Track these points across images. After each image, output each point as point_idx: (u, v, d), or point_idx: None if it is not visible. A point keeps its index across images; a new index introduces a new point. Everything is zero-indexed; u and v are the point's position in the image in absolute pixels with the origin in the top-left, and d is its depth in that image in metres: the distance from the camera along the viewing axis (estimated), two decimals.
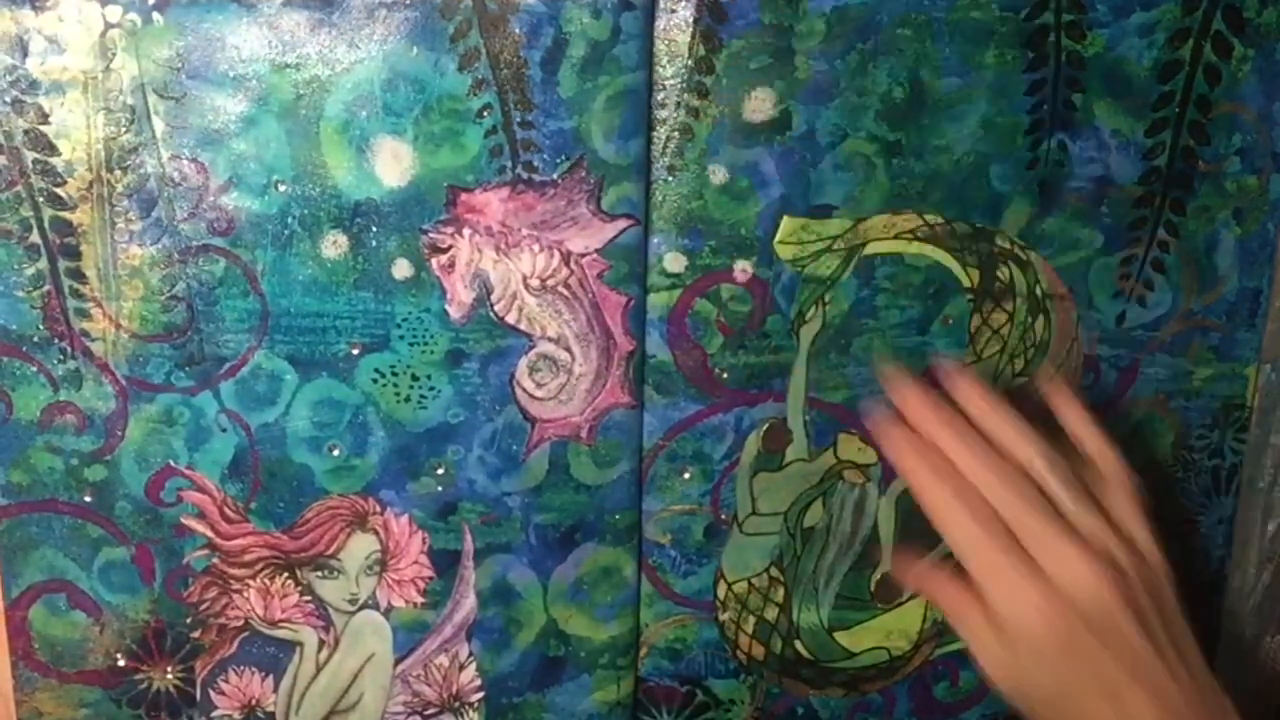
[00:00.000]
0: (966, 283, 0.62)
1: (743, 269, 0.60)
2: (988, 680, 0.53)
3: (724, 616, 0.66)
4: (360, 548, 0.63)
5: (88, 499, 0.61)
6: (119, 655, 0.63)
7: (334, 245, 0.58)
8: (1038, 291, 0.63)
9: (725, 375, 0.62)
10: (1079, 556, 0.50)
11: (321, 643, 0.64)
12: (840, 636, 0.67)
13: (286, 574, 0.63)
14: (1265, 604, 0.69)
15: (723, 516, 0.64)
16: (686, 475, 0.63)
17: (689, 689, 0.67)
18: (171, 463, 0.61)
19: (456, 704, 0.66)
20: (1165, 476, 0.67)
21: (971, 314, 0.62)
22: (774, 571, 0.65)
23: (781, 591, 0.66)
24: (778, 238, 0.60)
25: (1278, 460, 0.67)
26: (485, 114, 0.57)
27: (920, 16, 0.58)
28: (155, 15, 0.55)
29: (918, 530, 0.64)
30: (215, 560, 0.62)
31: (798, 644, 0.67)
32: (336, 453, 0.61)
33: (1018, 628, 0.51)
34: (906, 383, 0.56)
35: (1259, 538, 0.69)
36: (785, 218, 0.60)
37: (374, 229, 0.58)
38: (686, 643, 0.66)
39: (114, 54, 0.55)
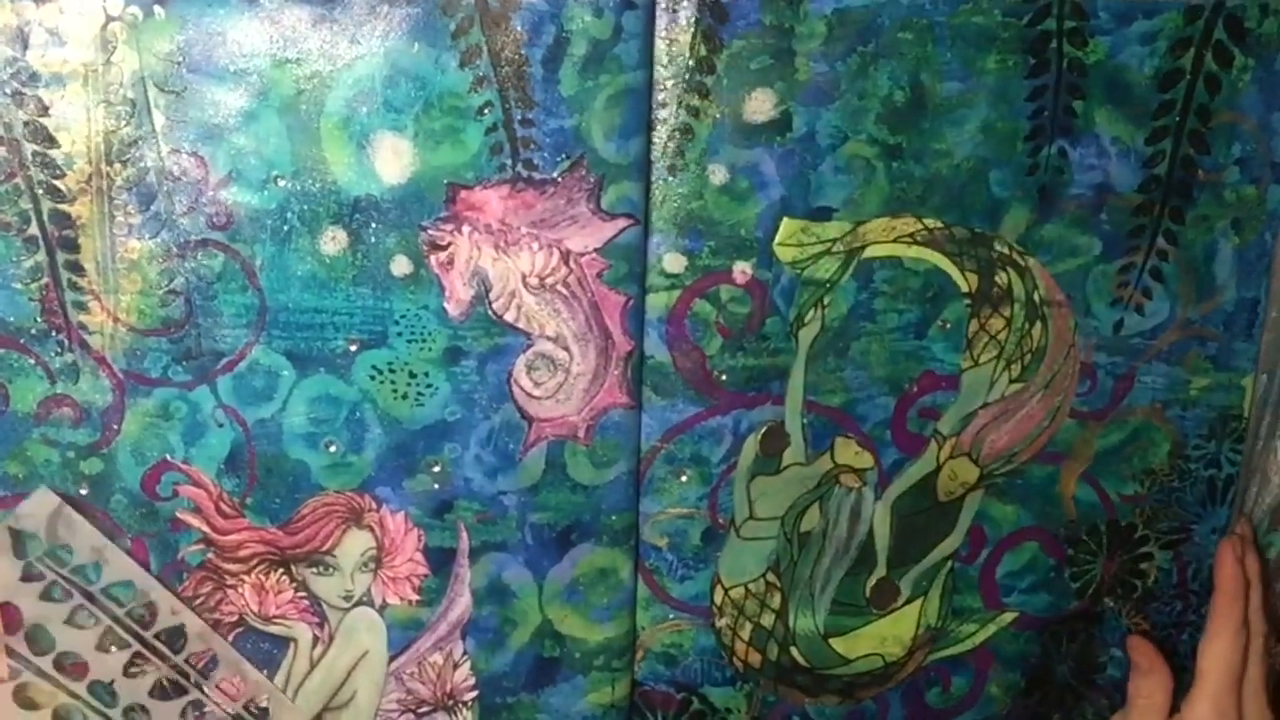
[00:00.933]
0: (965, 288, 0.62)
1: (742, 270, 0.60)
2: None
3: (721, 622, 0.66)
4: (356, 544, 0.63)
5: (84, 492, 0.61)
6: (114, 648, 0.63)
7: (333, 241, 0.58)
8: (1036, 298, 0.63)
9: (724, 377, 0.62)
10: None
11: (316, 639, 0.64)
12: (836, 642, 0.67)
13: (281, 570, 0.63)
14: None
15: (720, 520, 0.64)
16: (684, 478, 0.63)
17: (685, 696, 0.67)
18: (168, 457, 0.61)
19: (450, 702, 0.66)
20: (1161, 485, 0.67)
21: (969, 319, 0.62)
22: (770, 577, 0.65)
23: (778, 597, 0.66)
24: (777, 239, 0.60)
25: (1259, 469, 0.67)
26: (486, 111, 0.57)
27: (922, 20, 0.58)
28: (157, 8, 0.55)
29: (912, 538, 0.64)
30: (210, 555, 0.62)
31: (794, 650, 0.67)
32: (333, 449, 0.61)
33: None
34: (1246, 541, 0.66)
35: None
36: (785, 219, 0.60)
37: (373, 225, 0.58)
38: (683, 648, 0.66)
39: (115, 47, 0.55)
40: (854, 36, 0.58)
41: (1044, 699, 0.70)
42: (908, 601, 0.67)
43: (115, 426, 0.60)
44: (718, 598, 0.65)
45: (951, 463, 0.64)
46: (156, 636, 0.62)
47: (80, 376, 0.59)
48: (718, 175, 0.59)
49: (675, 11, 0.57)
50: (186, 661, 0.63)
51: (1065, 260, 0.62)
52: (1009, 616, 0.68)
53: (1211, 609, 0.63)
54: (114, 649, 0.62)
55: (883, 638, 0.67)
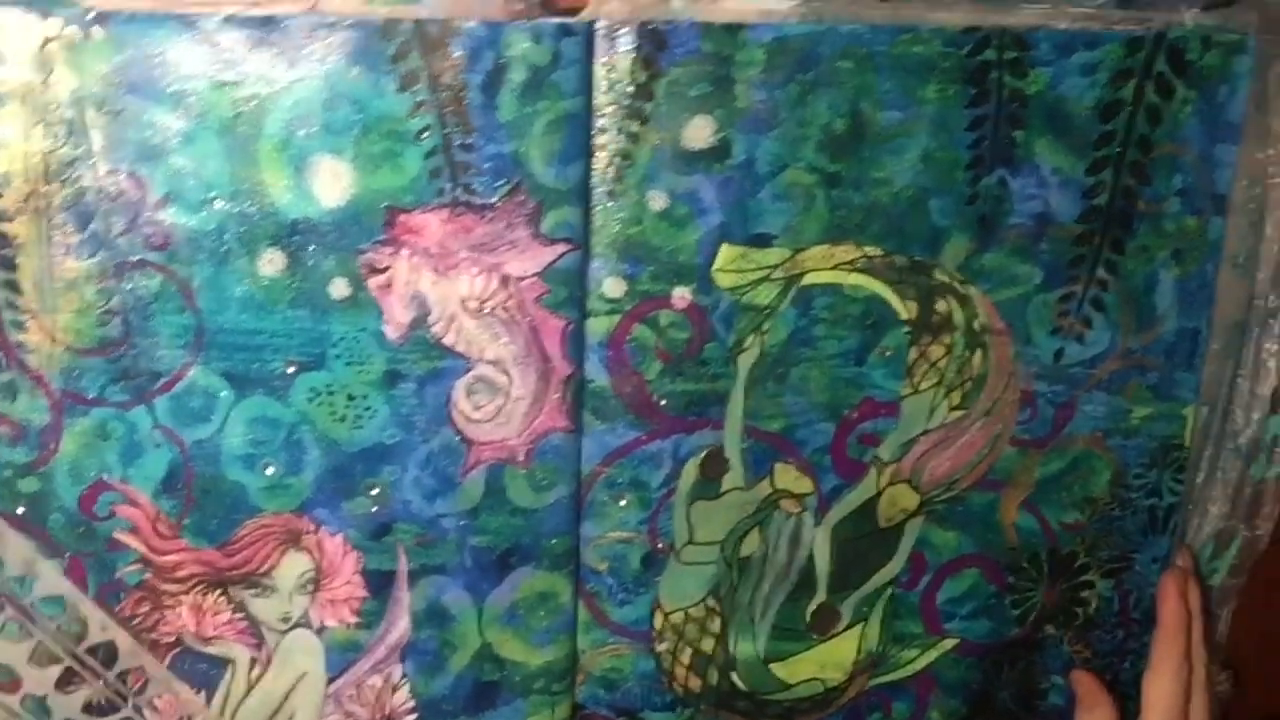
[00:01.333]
0: (904, 315, 0.62)
1: (681, 296, 0.60)
2: None
3: (661, 647, 0.66)
4: (293, 567, 0.62)
5: (21, 510, 0.60)
6: (52, 667, 0.63)
7: (270, 263, 0.58)
8: (975, 326, 0.63)
9: (663, 402, 0.62)
10: None
11: (253, 660, 0.64)
12: (776, 668, 0.67)
13: (219, 591, 0.63)
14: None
15: (660, 545, 0.64)
16: (623, 502, 0.63)
17: None
18: (105, 477, 0.60)
19: None
20: (1102, 514, 0.67)
21: (909, 346, 0.63)
22: (711, 602, 0.65)
23: (718, 622, 0.66)
24: (716, 265, 0.60)
25: (1198, 500, 0.68)
26: (425, 135, 0.57)
27: (861, 49, 0.58)
28: (95, 29, 0.55)
29: (852, 563, 0.64)
30: (148, 575, 0.62)
31: (734, 676, 0.67)
32: (271, 471, 0.61)
33: None
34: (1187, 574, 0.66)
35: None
36: (724, 246, 0.60)
37: (311, 248, 0.58)
38: (623, 673, 0.66)
39: (53, 67, 0.55)
40: (793, 65, 0.58)
41: None
42: (848, 627, 0.67)
43: (52, 445, 0.60)
44: (658, 622, 0.65)
45: (891, 489, 0.65)
46: (88, 652, 0.62)
47: (18, 395, 0.59)
48: (657, 201, 0.59)
49: (614, 38, 0.57)
50: (119, 678, 0.63)
51: (1006, 289, 0.63)
52: (950, 643, 0.68)
53: (1155, 643, 0.64)
54: (47, 664, 0.62)
55: (823, 663, 0.67)
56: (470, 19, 0.55)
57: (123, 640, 0.62)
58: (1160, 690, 0.63)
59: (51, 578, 0.61)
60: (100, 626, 0.62)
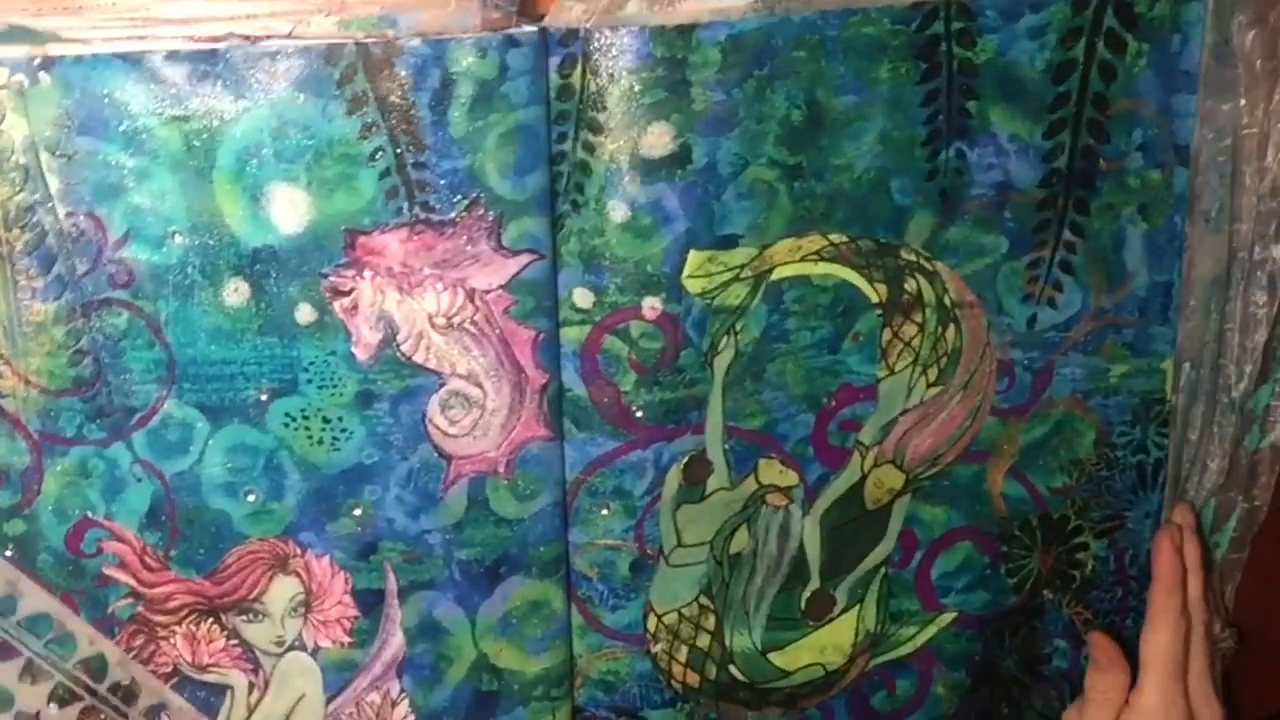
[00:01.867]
0: (874, 298, 0.62)
1: (651, 306, 0.60)
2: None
3: (656, 649, 0.66)
4: (283, 590, 0.63)
5: (9, 553, 0.61)
6: (51, 705, 0.63)
7: (235, 293, 0.58)
8: (946, 301, 0.63)
9: (640, 413, 0.62)
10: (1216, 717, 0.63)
11: (251, 685, 0.64)
12: (774, 657, 0.67)
13: (211, 619, 0.63)
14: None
15: (648, 551, 0.64)
16: (606, 511, 0.63)
17: (626, 719, 0.67)
18: (89, 514, 0.61)
19: None
20: (1090, 475, 0.67)
21: (882, 328, 0.63)
22: (704, 600, 0.65)
23: (713, 619, 0.66)
24: (686, 273, 0.60)
25: (1197, 459, 0.67)
26: (378, 157, 0.56)
27: (813, 37, 0.58)
28: (42, 75, 0.55)
29: (843, 548, 0.64)
30: (140, 608, 0.62)
31: (732, 668, 0.67)
32: (252, 498, 0.61)
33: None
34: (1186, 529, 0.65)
35: None
36: (692, 252, 0.60)
37: (274, 275, 0.58)
38: (620, 675, 0.66)
39: (3, 115, 0.55)
40: (749, 60, 0.58)
41: (991, 695, 0.70)
42: (844, 610, 0.67)
43: (35, 487, 0.60)
44: (651, 624, 0.65)
45: (876, 471, 0.65)
46: (78, 668, 0.62)
47: None
48: (618, 212, 0.59)
49: (565, 47, 0.56)
50: (110, 691, 0.63)
51: (973, 261, 0.63)
52: (948, 617, 0.68)
53: (1150, 600, 0.64)
54: (37, 681, 0.62)
55: (822, 647, 0.67)
56: (448, 34, 0.55)
57: (110, 651, 0.63)
58: (1157, 646, 0.62)
59: (35, 596, 0.61)
60: (89, 640, 0.62)
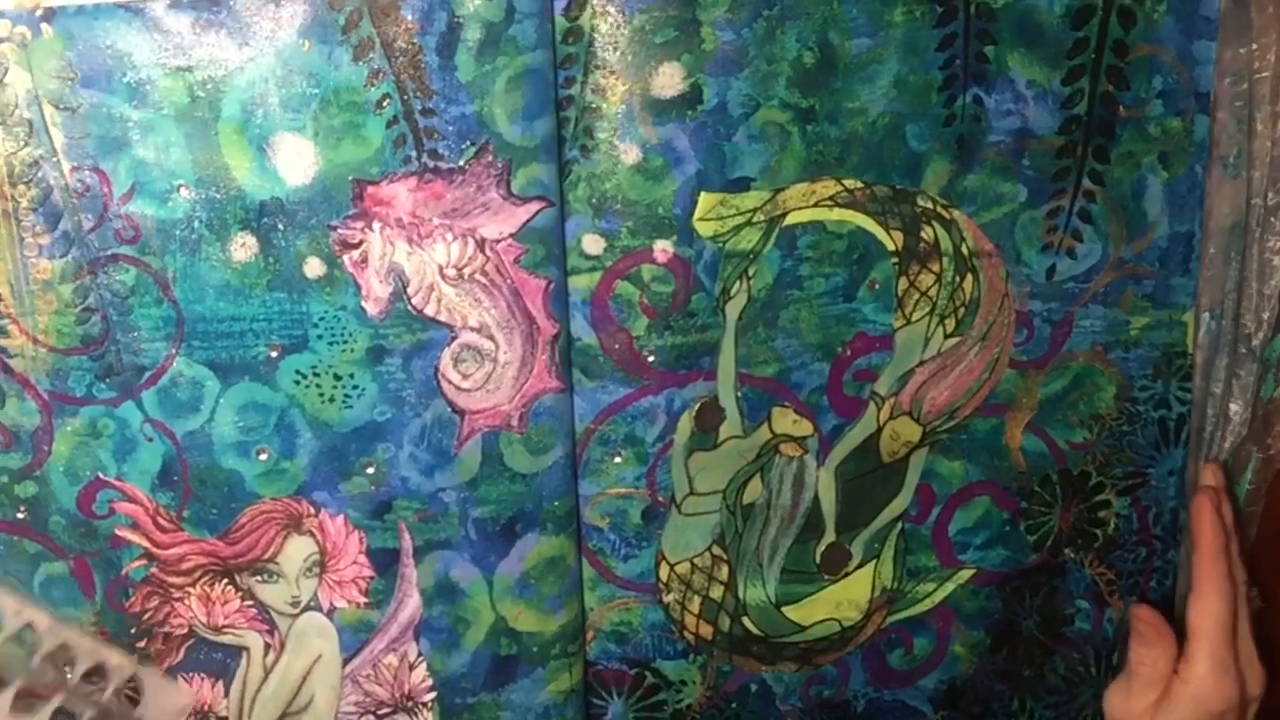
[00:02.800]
0: (891, 246, 0.61)
1: (663, 249, 0.60)
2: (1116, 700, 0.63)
3: (669, 598, 0.65)
4: (298, 550, 0.62)
5: (21, 515, 0.60)
6: (67, 667, 0.63)
7: (243, 247, 0.57)
8: (964, 250, 0.62)
9: (652, 358, 0.61)
10: (1259, 678, 0.62)
11: (267, 646, 0.64)
12: (789, 610, 0.66)
13: (226, 580, 0.62)
14: None
15: (660, 499, 0.63)
16: (619, 459, 0.62)
17: (638, 671, 0.66)
18: (100, 475, 0.60)
19: (409, 703, 0.65)
20: (1111, 430, 0.66)
21: (898, 277, 0.62)
22: (716, 550, 0.65)
23: (726, 569, 0.65)
24: (696, 215, 0.59)
25: (1219, 411, 0.66)
26: (385, 104, 0.56)
27: None
28: (44, 27, 0.54)
29: (859, 501, 0.64)
30: (154, 570, 0.62)
31: (746, 621, 0.66)
32: (264, 457, 0.60)
33: (1192, 690, 0.60)
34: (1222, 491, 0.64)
35: None
36: (702, 194, 0.59)
37: (281, 228, 0.57)
38: (632, 625, 0.65)
39: (6, 69, 0.54)
40: (759, 1, 0.57)
41: (1012, 655, 0.69)
42: (860, 565, 0.66)
43: (46, 448, 0.59)
44: (663, 574, 0.65)
45: (892, 423, 0.64)
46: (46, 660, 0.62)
47: (6, 400, 0.59)
48: (630, 154, 0.58)
49: None
50: (84, 680, 0.62)
51: (991, 210, 0.62)
52: (966, 574, 0.67)
53: (1196, 566, 0.62)
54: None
55: (837, 602, 0.66)
56: None
57: (138, 637, 0.62)
58: (1208, 615, 0.61)
59: (61, 581, 0.61)
60: (115, 625, 0.62)
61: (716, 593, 0.65)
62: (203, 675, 0.64)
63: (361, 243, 0.57)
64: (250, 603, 0.63)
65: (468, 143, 0.56)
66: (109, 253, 0.57)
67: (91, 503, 0.60)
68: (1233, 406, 0.66)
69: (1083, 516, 0.68)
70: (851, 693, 0.68)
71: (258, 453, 0.60)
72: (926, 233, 0.61)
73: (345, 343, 0.59)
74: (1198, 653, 0.60)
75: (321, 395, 0.59)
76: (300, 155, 0.56)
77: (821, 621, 0.67)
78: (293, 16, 0.54)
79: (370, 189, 0.57)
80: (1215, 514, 0.62)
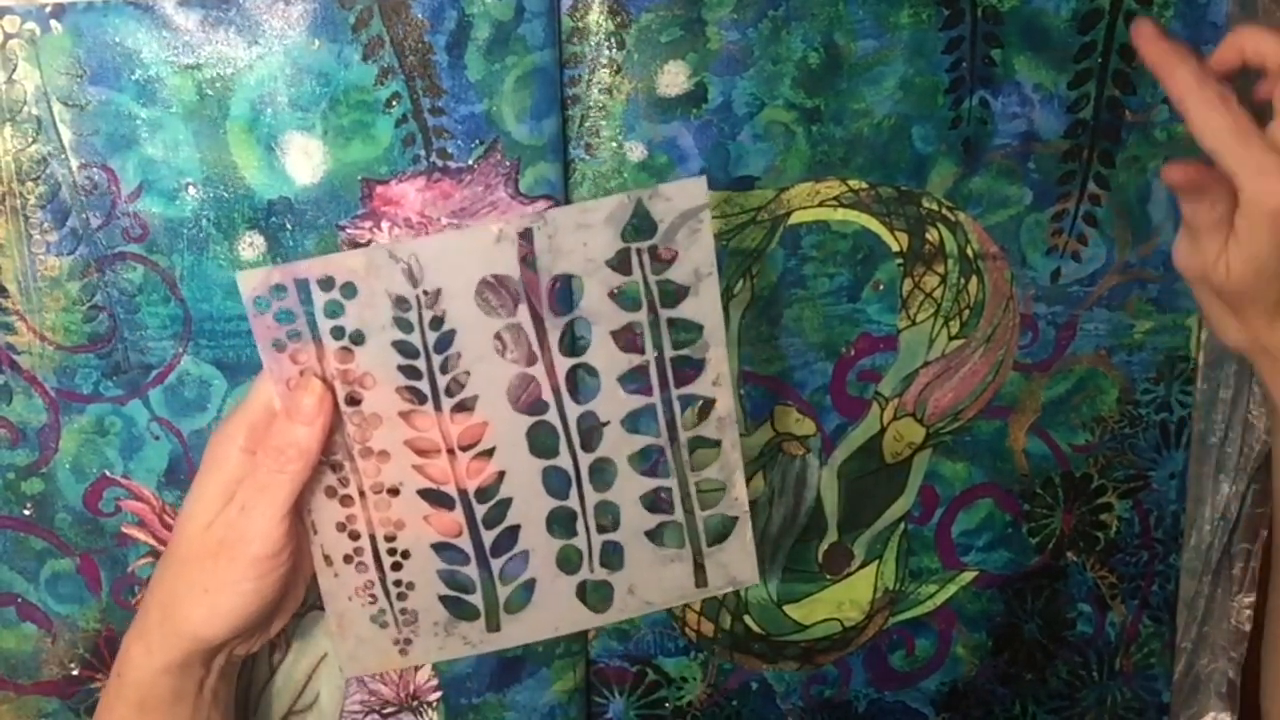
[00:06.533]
0: (895, 247, 0.61)
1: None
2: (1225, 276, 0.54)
3: None
4: None
5: (27, 512, 0.60)
6: (73, 665, 0.63)
7: (250, 246, 0.57)
8: (969, 252, 0.62)
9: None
10: None
11: (273, 645, 0.64)
12: (790, 609, 0.66)
13: None
14: (1223, 563, 0.68)
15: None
16: None
17: (639, 669, 0.66)
18: (107, 472, 0.60)
19: (415, 703, 0.65)
20: (1113, 432, 0.66)
21: (903, 278, 0.62)
22: None
23: None
24: None
25: (1228, 416, 0.66)
26: (394, 103, 0.56)
27: None
28: (54, 23, 0.54)
29: (861, 501, 0.64)
30: None
31: (747, 619, 0.66)
32: None
33: (1253, 210, 0.51)
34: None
35: (1212, 495, 0.68)
36: None
37: (290, 228, 0.57)
38: (634, 623, 0.65)
39: (15, 65, 0.54)
40: (764, 1, 0.57)
41: (1013, 658, 0.69)
42: (862, 565, 0.66)
43: (52, 445, 0.60)
44: None
45: (896, 424, 0.64)
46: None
47: (13, 397, 0.59)
48: (635, 152, 0.58)
49: None
50: None
51: (996, 212, 0.62)
52: (969, 576, 0.67)
53: (1170, 94, 0.53)
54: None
55: (839, 602, 0.66)
56: None
57: None
58: (1213, 130, 0.51)
59: (67, 577, 0.61)
60: (120, 622, 0.62)
61: None
62: None
63: (370, 242, 0.57)
64: None
65: (476, 141, 0.57)
66: (116, 250, 0.57)
67: (98, 500, 0.61)
68: (1254, 412, 0.66)
69: (1085, 519, 0.68)
70: (852, 693, 0.68)
71: None
72: (931, 234, 0.61)
73: None
74: (1236, 171, 0.51)
75: None
76: (309, 154, 0.56)
77: (823, 621, 0.67)
78: (302, 14, 0.54)
79: (379, 188, 0.57)
80: (1158, 30, 0.53)
